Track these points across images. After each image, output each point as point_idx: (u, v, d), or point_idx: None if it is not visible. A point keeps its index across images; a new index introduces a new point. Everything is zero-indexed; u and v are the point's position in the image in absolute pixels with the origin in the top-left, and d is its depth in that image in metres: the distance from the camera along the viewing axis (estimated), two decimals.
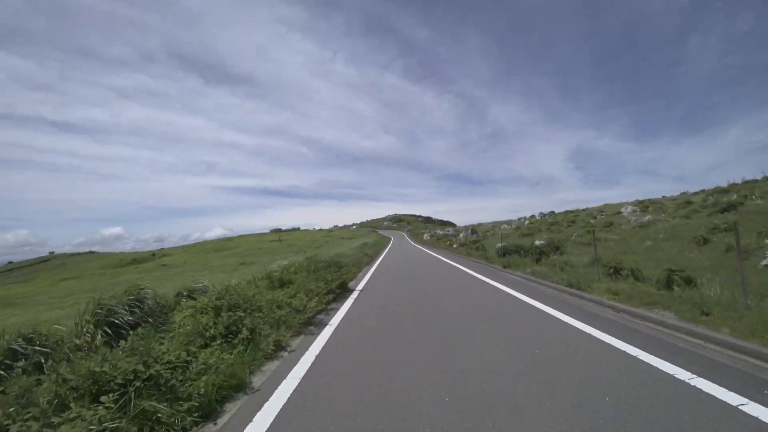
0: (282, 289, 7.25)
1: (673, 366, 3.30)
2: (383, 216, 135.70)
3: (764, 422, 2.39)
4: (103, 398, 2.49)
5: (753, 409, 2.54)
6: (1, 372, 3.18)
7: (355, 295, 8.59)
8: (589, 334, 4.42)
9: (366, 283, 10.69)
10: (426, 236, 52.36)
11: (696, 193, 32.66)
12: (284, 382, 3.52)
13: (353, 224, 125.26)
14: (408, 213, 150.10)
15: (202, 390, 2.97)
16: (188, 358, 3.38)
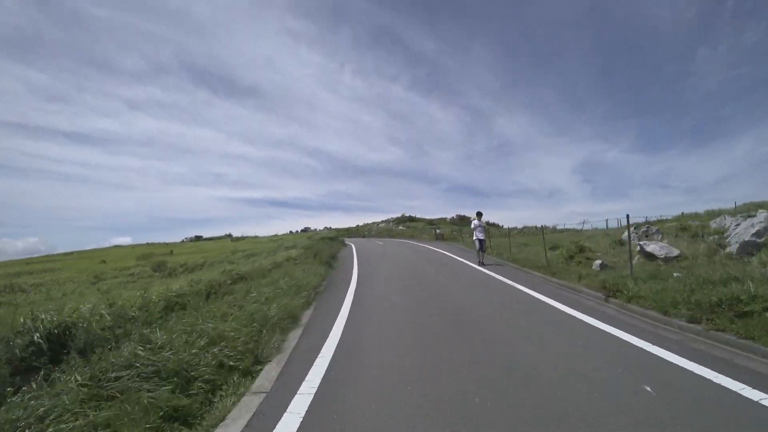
0: None
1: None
2: (382, 219, 64.99)
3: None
4: None
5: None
6: None
7: None
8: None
9: None
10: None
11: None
12: None
13: (327, 227, 64.17)
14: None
15: None
16: None
